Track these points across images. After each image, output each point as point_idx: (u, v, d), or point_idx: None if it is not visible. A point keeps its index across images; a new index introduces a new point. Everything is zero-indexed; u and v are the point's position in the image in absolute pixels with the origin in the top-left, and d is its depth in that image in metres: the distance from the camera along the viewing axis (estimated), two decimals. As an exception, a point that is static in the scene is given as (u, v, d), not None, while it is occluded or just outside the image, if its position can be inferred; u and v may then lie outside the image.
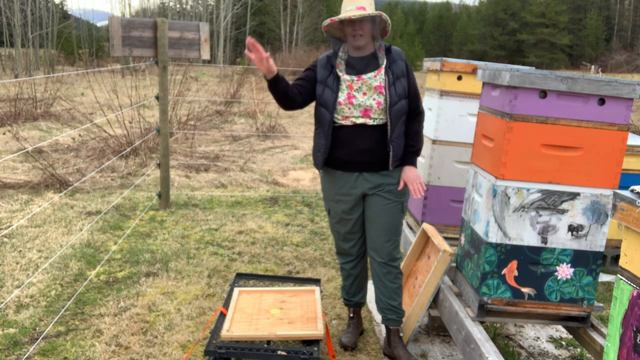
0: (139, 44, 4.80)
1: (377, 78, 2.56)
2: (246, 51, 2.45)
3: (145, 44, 4.83)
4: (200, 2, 44.13)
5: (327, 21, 2.53)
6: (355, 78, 2.57)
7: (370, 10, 2.52)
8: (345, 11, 2.52)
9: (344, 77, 2.58)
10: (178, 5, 45.73)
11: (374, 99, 2.56)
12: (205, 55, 5.11)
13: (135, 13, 42.09)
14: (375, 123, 2.58)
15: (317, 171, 2.79)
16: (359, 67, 2.60)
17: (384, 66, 2.58)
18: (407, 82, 2.61)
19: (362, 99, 2.56)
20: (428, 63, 3.48)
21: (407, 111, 2.64)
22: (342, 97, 2.57)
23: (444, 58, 3.27)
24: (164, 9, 42.66)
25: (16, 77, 18.49)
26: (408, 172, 2.65)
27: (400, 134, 2.63)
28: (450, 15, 62.26)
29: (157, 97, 5.01)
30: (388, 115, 2.56)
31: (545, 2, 52.29)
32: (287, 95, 2.58)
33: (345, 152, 2.62)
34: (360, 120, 2.58)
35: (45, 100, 10.91)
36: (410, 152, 2.67)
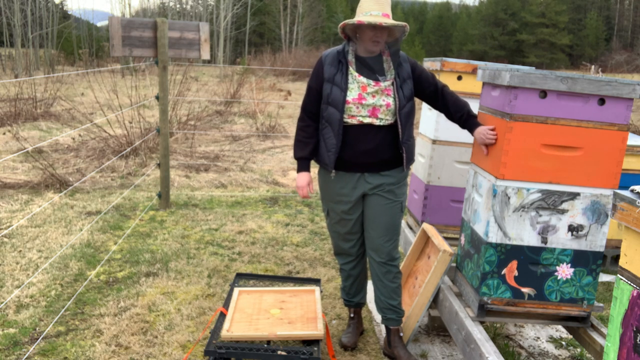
0: (139, 44, 4.80)
1: (388, 82, 2.58)
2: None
3: (145, 44, 4.83)
4: (200, 2, 44.14)
5: (354, 21, 2.49)
6: (372, 83, 2.57)
7: (391, 17, 2.54)
8: (370, 15, 2.49)
9: (360, 78, 2.58)
10: (178, 5, 45.75)
11: (384, 100, 2.56)
12: (205, 55, 5.11)
13: (135, 13, 42.10)
14: (381, 123, 2.58)
15: (316, 171, 2.77)
16: (375, 71, 2.59)
17: (394, 73, 2.59)
18: (412, 82, 2.63)
19: (372, 100, 2.56)
20: (428, 63, 3.48)
21: (432, 95, 2.68)
22: (351, 95, 2.56)
23: (444, 58, 3.27)
24: (164, 9, 42.65)
25: (16, 77, 18.49)
26: (476, 134, 2.55)
27: (410, 134, 2.66)
28: (450, 15, 62.21)
29: (157, 97, 5.01)
30: (398, 117, 2.58)
31: (545, 2, 52.26)
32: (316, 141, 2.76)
33: (349, 152, 2.62)
34: (367, 120, 2.58)
35: (45, 100, 10.90)
36: (466, 120, 2.64)
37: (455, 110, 2.67)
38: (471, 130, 2.62)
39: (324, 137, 2.66)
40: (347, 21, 2.54)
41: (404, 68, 2.62)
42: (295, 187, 2.74)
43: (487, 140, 2.46)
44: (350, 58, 2.61)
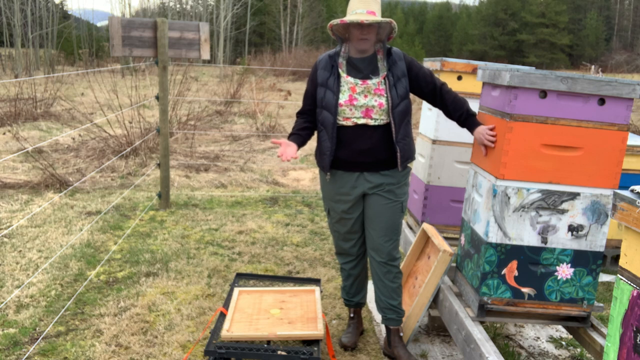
0: (139, 44, 4.80)
1: (378, 81, 2.57)
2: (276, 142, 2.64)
3: (145, 44, 4.83)
4: (200, 2, 44.14)
5: (337, 21, 2.51)
6: (359, 82, 2.57)
7: (379, 15, 2.53)
8: (355, 13, 2.50)
9: (347, 79, 2.58)
10: (178, 5, 45.74)
11: (376, 100, 2.56)
12: (205, 55, 5.11)
13: (135, 13, 42.10)
14: (376, 123, 2.58)
15: (317, 171, 2.77)
16: (363, 70, 2.59)
17: (385, 71, 2.58)
18: (407, 80, 2.61)
19: (364, 100, 2.56)
20: (428, 63, 3.48)
21: (431, 94, 2.67)
22: (343, 98, 2.57)
23: (444, 58, 3.27)
24: (164, 9, 42.65)
25: (16, 77, 18.49)
26: (476, 134, 2.55)
27: (405, 134, 2.64)
28: (450, 15, 62.19)
29: (157, 97, 5.01)
30: (391, 116, 2.57)
31: (545, 2, 52.26)
32: (307, 139, 2.77)
33: (346, 152, 2.62)
34: (361, 121, 2.57)
35: (45, 100, 10.90)
36: (466, 119, 2.63)
37: (455, 109, 2.66)
38: (471, 129, 2.61)
39: (320, 140, 2.68)
40: (332, 22, 2.55)
41: (399, 66, 2.61)
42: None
43: (485, 142, 2.45)
44: (341, 60, 2.62)
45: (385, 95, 2.56)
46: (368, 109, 2.56)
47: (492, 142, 2.42)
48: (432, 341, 3.05)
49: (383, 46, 2.61)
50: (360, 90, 2.56)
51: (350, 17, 2.49)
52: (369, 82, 2.56)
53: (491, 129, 2.45)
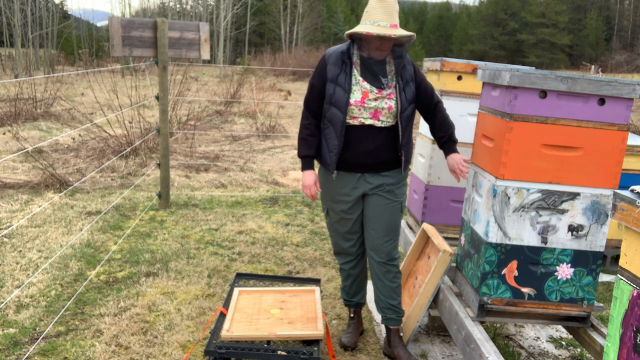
0: (139, 44, 4.80)
1: (390, 89, 2.59)
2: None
3: (145, 44, 4.83)
4: (200, 2, 44.13)
5: (363, 32, 2.46)
6: (375, 90, 2.57)
7: (399, 24, 2.55)
8: (379, 25, 2.48)
9: (364, 83, 2.58)
10: (178, 5, 45.74)
11: (386, 103, 2.57)
12: (205, 55, 5.11)
13: (135, 13, 42.10)
14: (383, 125, 2.59)
15: (316, 171, 2.78)
16: (379, 74, 2.58)
17: (395, 78, 2.59)
18: (414, 85, 2.64)
19: (374, 103, 2.57)
20: (428, 63, 3.48)
21: (425, 107, 2.71)
22: (353, 98, 2.56)
23: (444, 58, 3.27)
24: (164, 9, 42.66)
25: (16, 77, 18.48)
26: (450, 160, 2.68)
27: (409, 138, 2.68)
28: (450, 15, 62.16)
29: (157, 97, 5.01)
30: (399, 120, 2.58)
31: (545, 2, 52.27)
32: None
33: (350, 153, 2.62)
34: (368, 122, 2.58)
35: (45, 100, 10.90)
36: (446, 142, 2.71)
37: (440, 129, 2.72)
38: (446, 153, 2.71)
39: (325, 137, 2.66)
40: (355, 30, 2.51)
41: (407, 70, 2.62)
42: (302, 187, 2.74)
43: (458, 172, 2.59)
44: (355, 59, 2.61)
45: (394, 98, 2.58)
46: (377, 110, 2.57)
47: (465, 173, 2.58)
48: (432, 341, 3.05)
49: (393, 51, 2.61)
50: (373, 97, 2.57)
51: (375, 29, 2.46)
52: (384, 92, 2.57)
53: (465, 160, 2.59)
